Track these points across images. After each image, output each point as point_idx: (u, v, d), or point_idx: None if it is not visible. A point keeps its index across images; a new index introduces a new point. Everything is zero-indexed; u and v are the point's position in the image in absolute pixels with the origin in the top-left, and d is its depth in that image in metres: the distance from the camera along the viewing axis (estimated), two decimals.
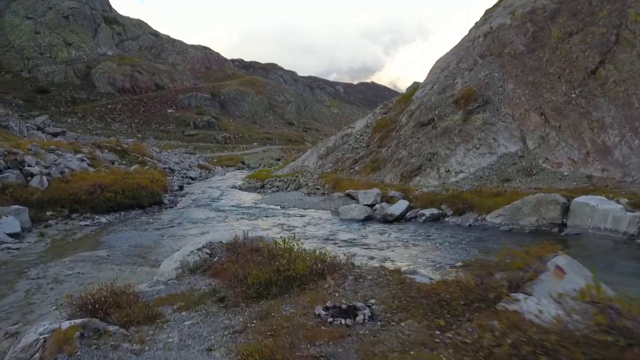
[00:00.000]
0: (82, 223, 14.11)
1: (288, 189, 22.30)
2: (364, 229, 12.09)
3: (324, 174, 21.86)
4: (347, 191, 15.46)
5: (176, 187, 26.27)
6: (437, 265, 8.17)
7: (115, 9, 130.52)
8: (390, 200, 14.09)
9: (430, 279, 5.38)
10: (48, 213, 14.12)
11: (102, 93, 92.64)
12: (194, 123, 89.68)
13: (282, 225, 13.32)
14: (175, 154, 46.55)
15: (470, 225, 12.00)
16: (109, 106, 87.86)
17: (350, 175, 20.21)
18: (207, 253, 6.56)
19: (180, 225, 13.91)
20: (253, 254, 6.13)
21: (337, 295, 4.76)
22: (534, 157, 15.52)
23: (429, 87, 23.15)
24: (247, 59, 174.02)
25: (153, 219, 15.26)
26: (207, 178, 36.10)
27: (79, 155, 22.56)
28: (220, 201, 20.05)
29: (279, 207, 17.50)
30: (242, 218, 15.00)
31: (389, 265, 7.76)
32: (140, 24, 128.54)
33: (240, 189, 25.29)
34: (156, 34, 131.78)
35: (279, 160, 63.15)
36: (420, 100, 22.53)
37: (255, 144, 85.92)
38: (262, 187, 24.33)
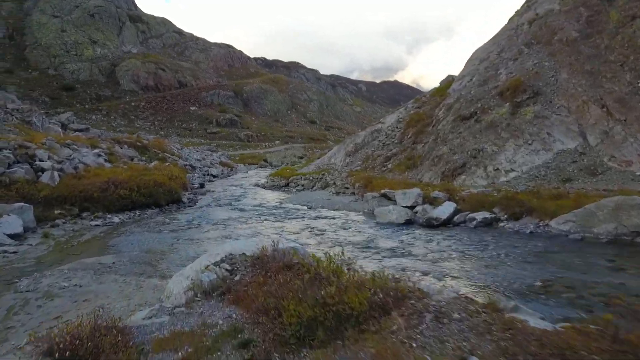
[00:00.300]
0: (93, 223, 12.90)
1: (314, 188, 20.80)
2: (407, 235, 10.48)
3: (353, 172, 20.28)
4: (382, 191, 13.85)
5: (197, 185, 25.11)
6: (513, 286, 6.52)
7: (141, 8, 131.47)
8: (434, 202, 12.43)
9: (541, 317, 3.79)
10: (56, 211, 12.95)
11: (126, 90, 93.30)
12: (217, 121, 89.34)
13: (310, 228, 11.81)
14: (197, 151, 45.63)
15: (531, 233, 10.25)
16: (133, 103, 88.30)
17: (382, 173, 18.58)
18: (226, 269, 5.09)
19: (199, 227, 12.55)
20: (286, 273, 4.64)
21: (414, 345, 3.22)
22: (597, 155, 13.62)
23: (468, 79, 21.32)
24: (268, 57, 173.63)
25: (169, 219, 13.97)
26: (229, 176, 34.96)
27: (96, 151, 21.54)
28: (243, 200, 18.70)
29: (305, 207, 16.02)
30: (266, 219, 13.56)
31: (453, 284, 6.17)
32: (164, 22, 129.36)
33: (264, 187, 23.94)
34: (180, 32, 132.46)
35: (301, 158, 61.85)
36: (458, 93, 20.73)
37: (277, 142, 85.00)
38: (287, 185, 22.91)
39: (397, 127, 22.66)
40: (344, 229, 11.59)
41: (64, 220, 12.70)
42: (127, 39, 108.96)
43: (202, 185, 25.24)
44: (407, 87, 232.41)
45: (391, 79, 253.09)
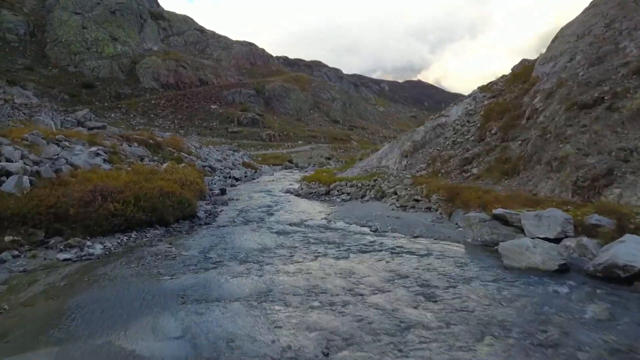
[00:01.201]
0: (62, 256, 8.54)
1: (365, 198, 16.18)
2: (597, 306, 5.69)
3: (419, 177, 15.60)
4: (495, 211, 9.12)
5: (217, 191, 20.82)
6: None
7: (163, 6, 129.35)
8: (595, 233, 7.67)
9: None
10: (7, 238, 8.63)
11: (146, 88, 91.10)
12: (238, 120, 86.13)
13: (400, 278, 7.14)
14: (218, 150, 41.49)
15: None
16: (153, 101, 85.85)
17: (465, 180, 13.85)
18: None
19: (218, 267, 8.02)
20: None
21: None
22: None
23: (566, 59, 16.39)
24: (290, 56, 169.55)
25: (176, 249, 9.51)
26: (253, 179, 30.58)
27: (94, 149, 17.37)
28: (276, 215, 14.16)
29: (367, 229, 11.37)
30: (318, 252, 8.96)
31: None
32: (186, 20, 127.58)
33: (298, 195, 19.38)
34: (201, 30, 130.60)
35: (329, 159, 57.45)
36: (556, 76, 15.84)
37: (300, 142, 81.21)
38: (328, 193, 18.33)
39: (468, 121, 17.88)
40: (463, 280, 6.88)
41: (17, 252, 8.37)
42: (148, 36, 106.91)
43: (223, 192, 20.91)
44: (431, 86, 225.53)
45: (414, 79, 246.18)
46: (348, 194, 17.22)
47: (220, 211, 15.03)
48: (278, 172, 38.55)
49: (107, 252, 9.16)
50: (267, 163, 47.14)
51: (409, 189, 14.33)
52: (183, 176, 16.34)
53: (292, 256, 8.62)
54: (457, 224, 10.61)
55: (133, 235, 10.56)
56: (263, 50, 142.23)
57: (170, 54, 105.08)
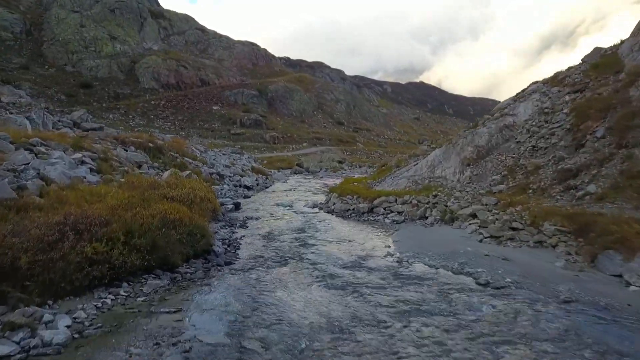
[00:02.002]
0: None
1: (427, 220, 12.51)
2: None
3: (500, 195, 11.94)
4: None
5: (230, 205, 17.15)
6: None
7: (163, 5, 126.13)
8: None
9: None
10: None
11: (146, 88, 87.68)
12: (241, 121, 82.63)
13: None
14: (224, 154, 37.79)
15: None
16: (152, 102, 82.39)
17: (576, 200, 10.13)
18: None
19: None
20: None
21: None
22: None
23: None
24: (291, 57, 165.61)
25: (191, 322, 5.86)
26: (266, 187, 26.83)
27: (78, 155, 13.70)
28: (318, 247, 10.43)
29: (467, 277, 7.69)
30: (437, 343, 5.30)
31: None
32: (187, 19, 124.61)
33: (330, 211, 15.67)
34: (203, 29, 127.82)
35: (341, 162, 53.85)
36: None
37: (304, 144, 77.74)
38: (370, 211, 14.67)
39: (546, 121, 14.24)
40: None
41: None
42: (148, 35, 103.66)
43: (237, 206, 17.28)
44: (434, 88, 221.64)
45: (416, 80, 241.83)
46: (399, 212, 13.55)
47: (241, 238, 11.36)
48: (291, 179, 34.85)
49: (77, 334, 5.51)
50: (273, 167, 43.40)
51: (494, 211, 10.70)
52: (191, 191, 12.65)
53: (395, 354, 4.92)
54: (621, 275, 6.92)
55: (122, 293, 6.91)
56: (265, 50, 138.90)
57: (171, 53, 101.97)
